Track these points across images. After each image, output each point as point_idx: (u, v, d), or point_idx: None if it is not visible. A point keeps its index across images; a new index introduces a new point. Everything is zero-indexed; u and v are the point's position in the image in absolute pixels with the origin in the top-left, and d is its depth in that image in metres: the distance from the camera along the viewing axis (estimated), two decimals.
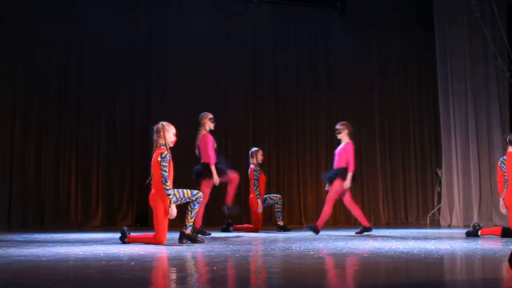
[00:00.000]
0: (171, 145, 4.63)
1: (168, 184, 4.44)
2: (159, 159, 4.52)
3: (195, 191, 4.65)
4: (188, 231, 4.73)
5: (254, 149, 7.03)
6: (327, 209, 5.85)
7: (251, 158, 6.94)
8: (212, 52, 8.62)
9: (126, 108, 8.44)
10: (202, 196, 4.60)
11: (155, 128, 4.62)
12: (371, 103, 9.05)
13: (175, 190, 4.59)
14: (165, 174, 4.42)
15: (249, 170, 6.96)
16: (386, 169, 9.24)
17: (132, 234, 4.80)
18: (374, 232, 6.58)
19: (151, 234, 4.69)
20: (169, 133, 4.60)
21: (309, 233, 6.21)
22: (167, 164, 4.45)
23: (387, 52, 9.09)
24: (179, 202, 4.59)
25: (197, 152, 5.95)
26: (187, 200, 4.65)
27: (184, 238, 4.77)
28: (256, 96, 8.80)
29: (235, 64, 8.74)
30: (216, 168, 5.80)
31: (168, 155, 4.51)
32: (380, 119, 9.09)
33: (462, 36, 8.42)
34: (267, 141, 8.86)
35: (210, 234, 5.91)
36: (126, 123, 8.45)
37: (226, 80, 8.75)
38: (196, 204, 4.62)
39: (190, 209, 4.64)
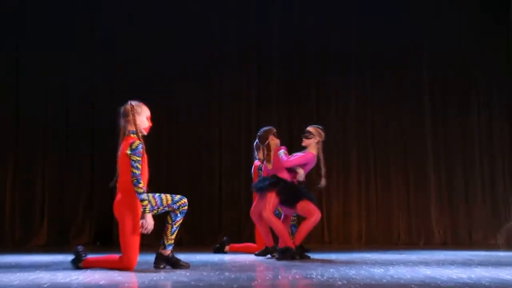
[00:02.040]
0: (145, 133, 4.70)
1: (141, 186, 4.48)
2: (128, 151, 4.57)
3: (177, 197, 4.71)
4: (168, 252, 4.79)
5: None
6: (277, 226, 6.03)
7: (256, 152, 7.03)
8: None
9: (81, 93, 9.00)
10: (186, 204, 4.68)
11: (121, 110, 4.68)
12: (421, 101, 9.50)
13: (150, 195, 4.63)
14: (137, 172, 4.47)
15: (253, 167, 7.05)
16: (439, 171, 9.45)
17: (90, 256, 4.85)
18: (426, 255, 6.67)
19: (116, 256, 4.74)
20: (141, 117, 4.66)
21: (333, 256, 6.40)
22: (140, 158, 4.51)
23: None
24: (155, 211, 4.65)
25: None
26: (166, 208, 4.71)
27: (162, 262, 4.83)
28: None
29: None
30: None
31: (140, 146, 4.56)
32: (433, 111, 9.51)
33: None
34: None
35: (309, 257, 6.07)
36: (81, 110, 8.92)
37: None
38: (178, 215, 4.70)
39: (170, 222, 4.72)
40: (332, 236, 9.23)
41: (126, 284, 3.91)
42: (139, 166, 4.49)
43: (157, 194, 4.68)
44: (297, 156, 6.16)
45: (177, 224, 4.71)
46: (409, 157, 9.48)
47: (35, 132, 8.84)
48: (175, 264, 4.79)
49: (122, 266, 4.59)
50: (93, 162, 8.88)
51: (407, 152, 9.46)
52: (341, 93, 9.47)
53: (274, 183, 6.05)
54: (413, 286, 3.83)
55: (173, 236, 4.73)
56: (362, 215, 9.28)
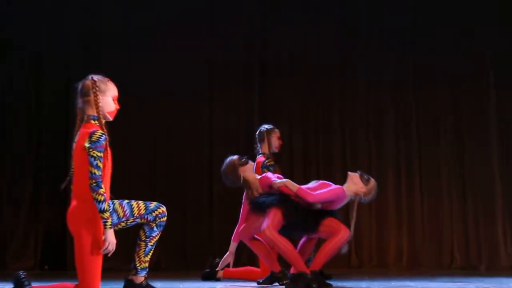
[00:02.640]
0: (110, 119, 4.61)
1: (101, 192, 4.39)
2: (87, 144, 4.39)
3: (152, 205, 4.68)
4: (141, 279, 4.72)
5: (264, 127, 7.25)
6: (283, 246, 6.04)
7: (258, 144, 7.21)
8: None
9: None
10: (165, 214, 4.68)
11: (79, 87, 4.59)
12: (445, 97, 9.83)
13: (116, 202, 4.63)
14: (96, 173, 4.40)
15: (255, 164, 7.01)
16: (507, 171, 9.50)
17: (36, 285, 4.62)
18: (489, 283, 6.58)
19: (71, 285, 4.52)
20: (106, 97, 4.60)
21: (364, 285, 6.39)
22: (101, 154, 4.44)
23: None
24: (123, 224, 4.65)
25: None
26: (138, 220, 4.65)
27: None
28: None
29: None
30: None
31: (103, 137, 4.46)
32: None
33: None
34: (288, 121, 9.43)
35: (331, 286, 6.12)
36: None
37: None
38: (154, 229, 4.66)
39: (143, 238, 4.67)
40: (362, 258, 9.27)
41: None
42: (100, 165, 4.41)
43: (126, 201, 4.63)
44: (326, 190, 6.15)
45: (153, 241, 4.67)
46: (467, 154, 9.56)
47: None
48: None
49: None
50: (39, 156, 8.99)
51: (464, 147, 9.55)
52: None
53: (281, 200, 6.07)
54: None
55: (148, 258, 4.68)
56: (402, 230, 9.31)
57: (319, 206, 6.18)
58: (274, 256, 6.42)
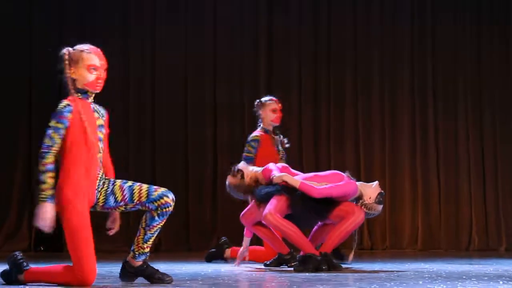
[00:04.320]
0: (90, 89, 4.57)
1: (44, 162, 4.43)
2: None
3: (157, 192, 4.57)
4: (138, 262, 4.64)
5: (258, 100, 7.13)
6: (287, 229, 5.90)
7: (260, 111, 7.05)
8: None
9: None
10: (169, 205, 4.58)
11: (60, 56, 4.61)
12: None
13: (117, 183, 4.59)
14: (47, 142, 4.46)
15: (259, 141, 7.12)
16: None
17: (33, 266, 4.69)
18: (508, 265, 6.49)
19: (65, 266, 4.57)
20: (79, 68, 4.54)
21: (377, 267, 6.33)
22: (59, 125, 4.44)
23: None
24: (121, 208, 4.65)
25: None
26: (138, 207, 4.59)
27: (130, 276, 4.71)
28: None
29: None
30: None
31: (66, 109, 4.48)
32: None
33: None
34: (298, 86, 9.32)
35: (341, 267, 6.01)
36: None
37: None
38: (156, 218, 4.58)
39: (143, 225, 4.59)
40: (375, 239, 9.18)
41: None
42: (54, 136, 4.42)
43: (128, 184, 4.57)
44: (335, 185, 5.94)
45: (153, 230, 4.59)
46: (486, 130, 9.43)
47: None
48: (151, 277, 4.66)
49: (75, 280, 4.45)
50: (30, 138, 8.93)
51: (484, 123, 9.40)
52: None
53: (286, 189, 5.95)
54: None
55: (147, 245, 4.63)
56: (417, 211, 9.17)
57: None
58: (280, 238, 6.34)
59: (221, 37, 9.42)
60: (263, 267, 6.29)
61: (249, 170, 6.24)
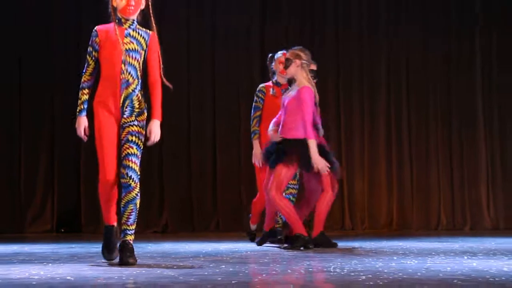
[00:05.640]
0: (125, 16, 4.74)
1: (82, 79, 4.72)
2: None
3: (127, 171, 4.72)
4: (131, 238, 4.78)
5: (279, 54, 6.81)
6: (283, 208, 6.04)
7: (272, 65, 6.82)
8: None
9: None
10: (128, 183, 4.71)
11: None
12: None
13: (133, 128, 4.68)
14: (85, 65, 4.75)
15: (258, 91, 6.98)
16: (492, 139, 9.51)
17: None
18: (472, 242, 6.74)
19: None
20: None
21: (357, 244, 6.56)
22: (90, 48, 4.75)
23: None
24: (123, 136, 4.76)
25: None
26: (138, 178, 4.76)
27: (129, 256, 4.71)
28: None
29: None
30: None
31: (93, 33, 4.77)
32: None
33: None
34: None
35: (336, 244, 6.24)
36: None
37: None
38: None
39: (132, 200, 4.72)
40: (356, 221, 9.24)
41: (99, 280, 3.94)
42: (87, 58, 4.71)
43: (131, 145, 4.67)
44: (301, 105, 6.02)
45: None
46: (454, 122, 9.51)
47: None
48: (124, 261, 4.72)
49: (100, 177, 4.70)
50: (53, 124, 8.88)
51: (452, 114, 9.48)
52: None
53: (280, 152, 6.03)
54: (455, 281, 3.80)
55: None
56: (393, 195, 9.27)
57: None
58: (297, 216, 6.14)
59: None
60: (256, 246, 6.41)
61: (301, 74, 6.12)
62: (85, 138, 4.67)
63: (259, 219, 6.79)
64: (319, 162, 5.83)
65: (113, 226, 4.79)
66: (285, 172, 5.96)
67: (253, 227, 6.83)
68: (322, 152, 6.01)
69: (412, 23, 9.48)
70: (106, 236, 4.83)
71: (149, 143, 4.72)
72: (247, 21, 9.37)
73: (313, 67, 6.37)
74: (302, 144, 5.96)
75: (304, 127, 5.95)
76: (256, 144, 6.49)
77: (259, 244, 6.52)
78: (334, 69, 9.32)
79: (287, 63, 6.10)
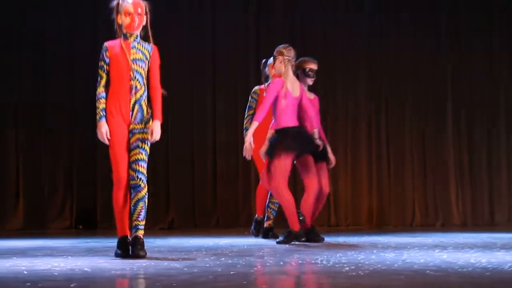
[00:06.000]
0: (131, 32, 4.82)
1: (97, 92, 4.75)
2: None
3: (136, 174, 4.79)
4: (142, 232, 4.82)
5: (272, 60, 6.72)
6: (284, 201, 6.00)
7: (266, 70, 6.91)
8: None
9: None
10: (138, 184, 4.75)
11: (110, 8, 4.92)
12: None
13: (142, 136, 4.77)
14: (98, 78, 4.78)
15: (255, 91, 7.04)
16: (460, 144, 9.54)
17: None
18: (443, 237, 6.75)
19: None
20: (121, 15, 4.81)
21: (341, 239, 6.57)
22: (101, 63, 4.79)
23: None
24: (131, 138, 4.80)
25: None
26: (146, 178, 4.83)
27: (140, 249, 4.79)
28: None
29: None
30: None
31: (104, 48, 4.82)
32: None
33: None
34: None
35: (323, 239, 6.22)
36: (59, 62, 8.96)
37: None
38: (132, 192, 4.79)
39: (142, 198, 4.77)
40: (339, 218, 9.32)
41: (113, 271, 3.97)
42: (99, 72, 4.76)
43: (140, 151, 4.76)
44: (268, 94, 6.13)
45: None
46: (427, 127, 9.54)
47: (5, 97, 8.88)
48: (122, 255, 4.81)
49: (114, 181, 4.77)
50: (73, 130, 8.90)
51: (425, 122, 9.52)
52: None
53: (277, 141, 6.05)
54: (427, 271, 3.85)
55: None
56: (373, 194, 9.34)
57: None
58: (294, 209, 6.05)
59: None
60: (253, 240, 6.47)
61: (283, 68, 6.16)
62: (107, 142, 4.69)
63: (263, 209, 6.71)
64: (246, 139, 6.00)
65: (127, 236, 4.74)
66: (284, 159, 5.94)
67: (259, 218, 6.75)
68: (323, 149, 6.16)
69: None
70: (121, 246, 4.76)
71: (150, 141, 4.74)
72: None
73: (314, 66, 6.46)
74: (293, 131, 6.05)
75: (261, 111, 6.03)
76: (247, 140, 6.20)
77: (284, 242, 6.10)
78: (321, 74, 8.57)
79: (273, 60, 6.29)
